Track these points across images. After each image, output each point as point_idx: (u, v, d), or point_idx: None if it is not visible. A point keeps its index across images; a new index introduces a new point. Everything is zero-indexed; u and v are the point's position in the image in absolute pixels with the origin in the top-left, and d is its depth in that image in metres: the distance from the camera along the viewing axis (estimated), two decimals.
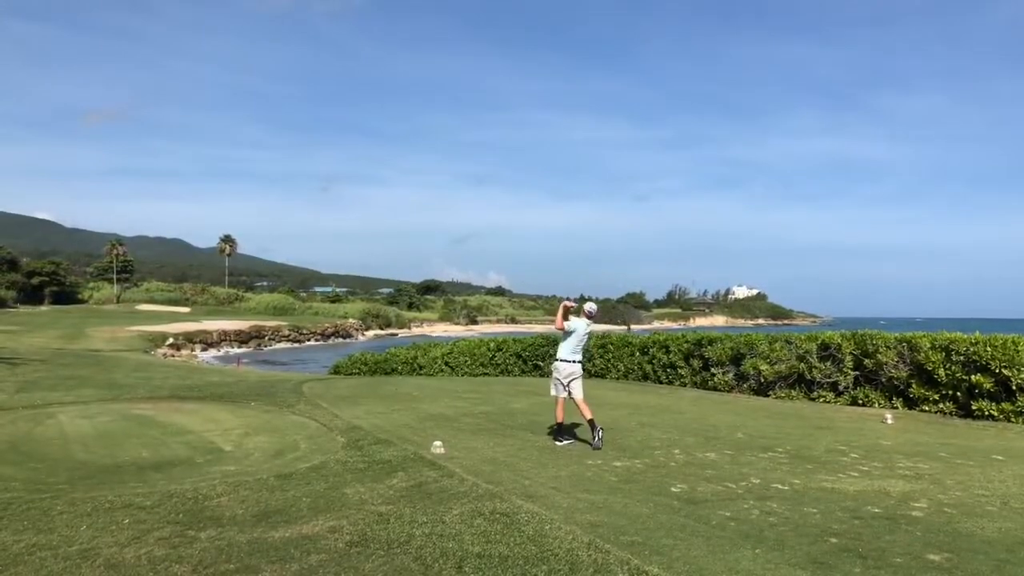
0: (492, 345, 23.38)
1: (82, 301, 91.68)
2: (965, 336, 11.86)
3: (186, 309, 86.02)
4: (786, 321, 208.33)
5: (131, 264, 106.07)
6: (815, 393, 13.76)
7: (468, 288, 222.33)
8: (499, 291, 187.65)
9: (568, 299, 9.48)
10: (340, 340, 78.20)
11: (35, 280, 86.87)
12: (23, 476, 6.81)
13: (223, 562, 4.43)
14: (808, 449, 8.59)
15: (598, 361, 19.01)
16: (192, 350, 53.00)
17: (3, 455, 7.76)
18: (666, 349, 17.40)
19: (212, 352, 55.41)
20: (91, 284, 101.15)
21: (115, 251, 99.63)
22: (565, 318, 8.88)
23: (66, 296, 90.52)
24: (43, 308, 79.14)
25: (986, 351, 11.20)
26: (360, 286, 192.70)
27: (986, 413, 11.17)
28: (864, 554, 4.69)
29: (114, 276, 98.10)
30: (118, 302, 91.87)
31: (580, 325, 8.81)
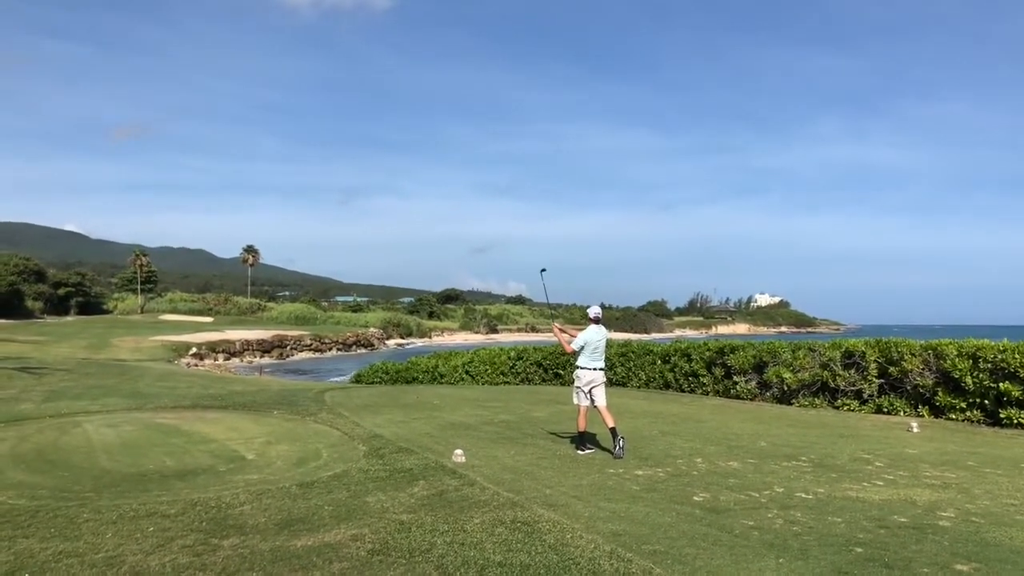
0: (512, 354, 23.38)
1: (107, 311, 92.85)
2: (993, 343, 11.69)
3: (209, 319, 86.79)
4: (809, 329, 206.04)
5: (155, 274, 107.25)
6: (839, 401, 13.61)
7: (488, 297, 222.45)
8: (519, 300, 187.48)
9: (556, 323, 9.45)
10: (362, 349, 78.51)
11: (62, 291, 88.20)
12: (50, 484, 6.91)
13: (246, 570, 4.46)
14: (832, 458, 8.49)
15: (619, 369, 18.94)
16: (215, 359, 53.54)
17: (31, 463, 7.88)
18: (688, 357, 17.30)
19: (235, 361, 55.94)
20: (116, 295, 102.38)
21: (139, 261, 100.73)
22: (569, 334, 8.82)
23: (92, 307, 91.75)
24: (69, 318, 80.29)
25: (1015, 358, 11.02)
26: (381, 295, 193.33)
27: (1015, 421, 11.00)
28: (890, 564, 4.62)
29: (138, 287, 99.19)
30: (142, 312, 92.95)
31: (591, 335, 8.66)
